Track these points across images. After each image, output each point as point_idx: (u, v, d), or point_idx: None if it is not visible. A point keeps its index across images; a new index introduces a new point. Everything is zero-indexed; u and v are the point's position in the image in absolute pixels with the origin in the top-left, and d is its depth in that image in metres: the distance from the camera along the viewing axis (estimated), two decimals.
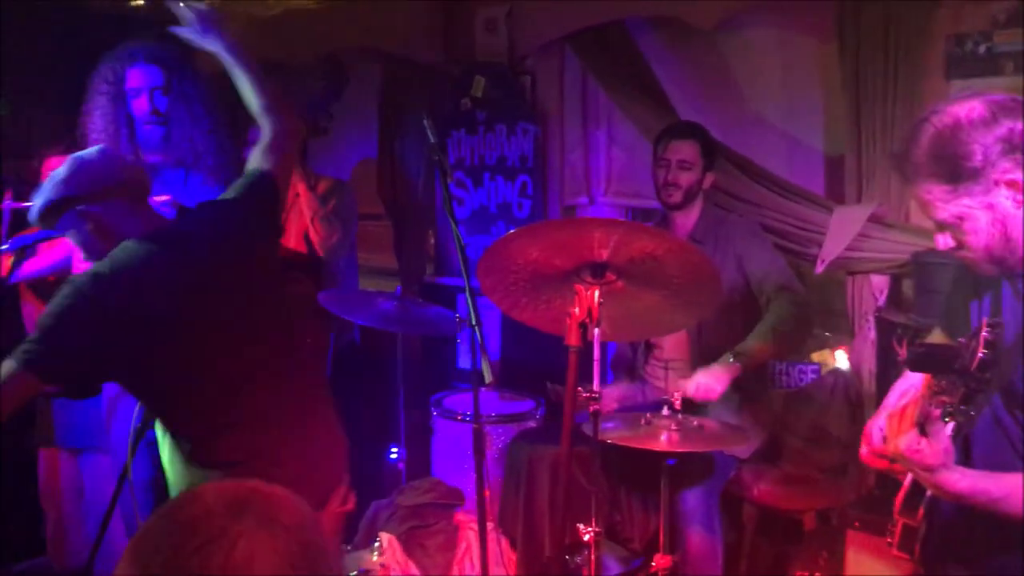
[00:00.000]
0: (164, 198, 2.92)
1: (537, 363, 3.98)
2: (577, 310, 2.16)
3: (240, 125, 4.38)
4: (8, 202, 3.34)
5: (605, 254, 2.49)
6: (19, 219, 3.40)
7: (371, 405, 4.28)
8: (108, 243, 2.14)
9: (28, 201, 3.49)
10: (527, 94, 4.17)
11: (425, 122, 2.84)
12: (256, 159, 2.43)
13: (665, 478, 2.75)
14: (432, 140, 2.91)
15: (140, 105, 2.99)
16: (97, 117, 2.98)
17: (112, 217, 2.14)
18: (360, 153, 4.73)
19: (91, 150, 2.27)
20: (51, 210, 2.15)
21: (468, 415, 3.51)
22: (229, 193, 2.38)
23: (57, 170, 2.17)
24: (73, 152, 3.45)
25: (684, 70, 3.85)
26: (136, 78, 2.98)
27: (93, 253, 2.18)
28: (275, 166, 2.40)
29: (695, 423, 2.74)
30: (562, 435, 2.16)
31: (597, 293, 2.17)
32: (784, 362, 3.36)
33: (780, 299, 3.06)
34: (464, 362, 4.41)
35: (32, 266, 3.03)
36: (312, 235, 3.75)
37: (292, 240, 3.87)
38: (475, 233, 4.29)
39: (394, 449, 3.57)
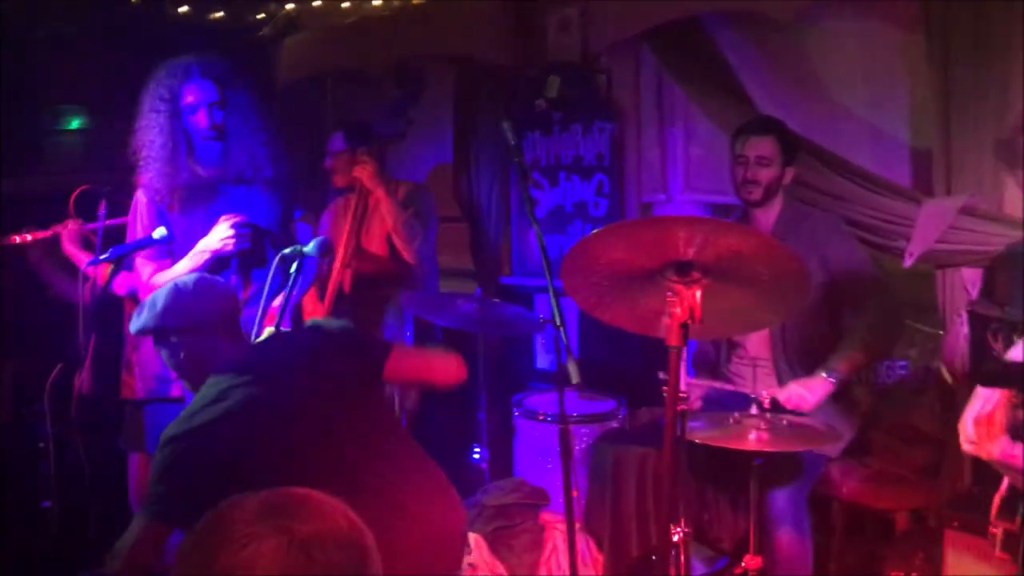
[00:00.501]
0: (161, 233, 2.98)
1: (617, 363, 3.97)
2: (679, 310, 2.14)
3: (316, 137, 4.48)
4: (103, 213, 3.46)
5: (691, 252, 2.47)
6: (111, 231, 3.52)
7: (452, 405, 4.31)
8: (199, 369, 2.23)
9: (122, 215, 3.63)
10: (602, 93, 4.15)
11: (503, 125, 2.85)
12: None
13: (754, 478, 2.72)
14: (511, 143, 2.93)
15: (198, 121, 3.03)
16: (155, 134, 3.02)
17: (203, 346, 2.24)
18: (435, 157, 4.78)
19: (189, 279, 2.33)
20: (146, 334, 2.28)
21: (550, 415, 3.51)
22: (338, 330, 2.40)
23: (157, 294, 2.26)
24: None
25: (763, 64, 3.79)
26: (192, 94, 3.01)
27: (184, 376, 2.31)
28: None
29: (785, 422, 2.70)
30: (664, 435, 2.14)
31: (699, 293, 2.15)
32: None
33: (868, 303, 3.02)
34: (542, 362, 4.42)
35: (129, 278, 3.13)
36: (395, 240, 3.80)
37: (374, 245, 3.93)
38: (551, 233, 4.29)
39: (476, 449, 3.59)
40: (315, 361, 2.27)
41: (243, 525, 1.06)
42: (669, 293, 2.24)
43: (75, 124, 5.24)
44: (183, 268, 3.00)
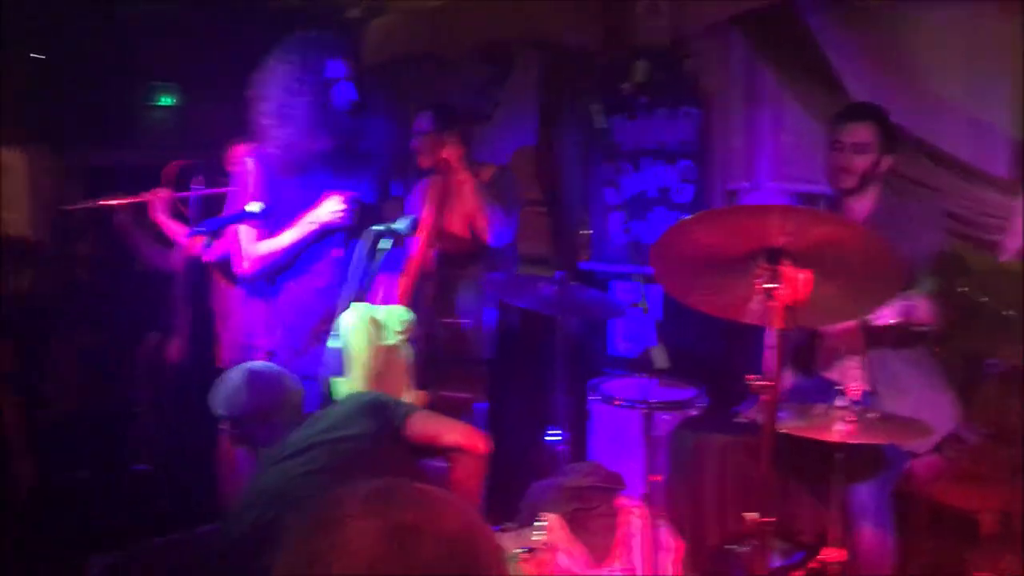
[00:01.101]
0: (255, 207, 3.03)
1: (698, 350, 3.95)
2: (784, 293, 2.12)
3: (399, 119, 4.52)
4: (197, 187, 3.56)
5: (783, 240, 2.44)
6: (208, 203, 3.62)
7: (529, 388, 4.34)
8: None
9: (217, 187, 3.72)
10: (689, 77, 4.10)
11: (592, 108, 2.85)
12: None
13: (837, 471, 2.68)
14: (600, 126, 2.92)
15: (339, 94, 3.07)
16: (288, 106, 3.06)
17: (266, 432, 2.37)
18: (518, 140, 4.77)
19: (265, 368, 2.45)
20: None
21: (626, 401, 3.50)
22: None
23: (233, 378, 2.38)
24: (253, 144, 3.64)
25: (857, 49, 3.70)
26: (334, 68, 3.06)
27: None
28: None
29: (871, 415, 2.65)
30: (763, 424, 2.12)
31: (805, 276, 2.13)
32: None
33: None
34: (618, 348, 4.40)
35: (220, 247, 3.21)
36: (477, 222, 3.82)
37: (456, 226, 3.96)
38: (633, 218, 4.27)
39: (553, 431, 3.60)
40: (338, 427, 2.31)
41: (347, 507, 1.06)
42: (762, 275, 2.20)
43: (166, 100, 5.38)
44: (290, 237, 3.09)
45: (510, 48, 4.23)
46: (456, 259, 3.87)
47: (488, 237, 3.82)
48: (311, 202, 3.10)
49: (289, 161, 3.10)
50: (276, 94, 3.08)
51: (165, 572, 3.50)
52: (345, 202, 3.01)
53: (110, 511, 3.67)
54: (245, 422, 2.37)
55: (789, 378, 3.27)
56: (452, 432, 2.47)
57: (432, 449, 2.45)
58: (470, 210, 3.85)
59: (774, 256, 2.50)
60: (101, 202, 3.80)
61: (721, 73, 4.07)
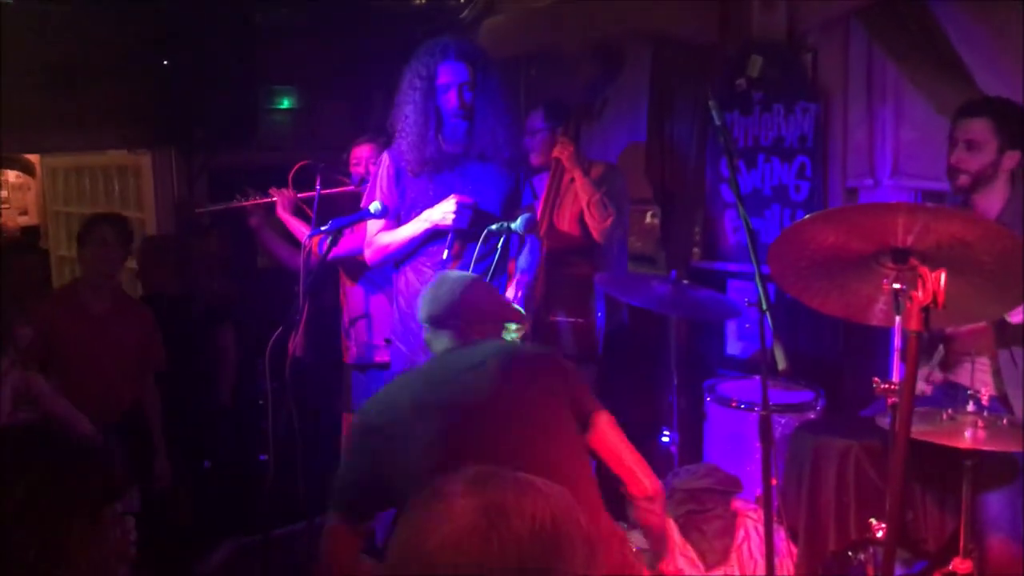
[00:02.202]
0: (376, 207, 3.10)
1: (814, 352, 3.86)
2: (920, 293, 2.07)
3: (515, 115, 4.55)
4: (318, 186, 3.67)
5: (910, 239, 2.37)
6: (326, 203, 3.73)
7: (640, 387, 4.32)
8: None
9: (336, 187, 3.82)
10: (807, 72, 4.01)
11: (711, 103, 2.81)
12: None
13: (967, 478, 2.58)
14: (718, 122, 2.89)
15: (449, 100, 3.11)
16: (409, 111, 3.13)
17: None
18: (628, 137, 4.75)
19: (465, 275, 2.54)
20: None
21: (743, 403, 3.45)
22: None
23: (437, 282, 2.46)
24: (377, 143, 3.74)
25: (987, 40, 3.54)
26: (446, 74, 3.10)
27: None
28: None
29: (1004, 420, 2.55)
30: (897, 426, 2.06)
31: (943, 276, 2.07)
32: None
33: None
34: (733, 349, 4.34)
35: (343, 246, 3.30)
36: (587, 219, 3.83)
37: (566, 223, 3.97)
38: (748, 216, 4.19)
39: (666, 432, 3.58)
40: (523, 371, 2.31)
41: (453, 485, 1.14)
42: (889, 275, 2.14)
43: (286, 104, 5.55)
44: (405, 233, 3.17)
45: (622, 44, 4.21)
46: (565, 256, 3.88)
47: (597, 235, 3.82)
48: (438, 201, 3.17)
49: (420, 160, 3.15)
50: (398, 98, 3.16)
51: (285, 561, 3.63)
52: (457, 205, 3.05)
53: (235, 500, 3.83)
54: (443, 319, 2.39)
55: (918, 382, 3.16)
56: (633, 456, 2.45)
57: (599, 459, 2.45)
58: (579, 208, 3.86)
59: (900, 256, 2.43)
60: (234, 203, 3.96)
61: (841, 67, 3.95)
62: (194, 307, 4.33)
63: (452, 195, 3.08)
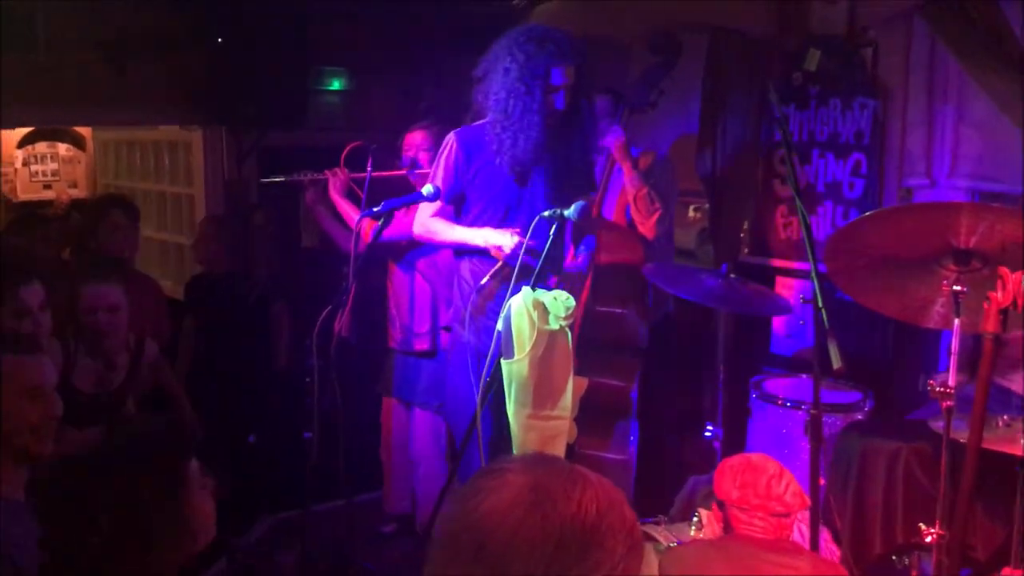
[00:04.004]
0: (429, 190, 3.07)
1: (863, 353, 3.80)
2: (1000, 295, 2.03)
3: None
4: (369, 168, 3.67)
5: (973, 240, 2.33)
6: (377, 186, 3.73)
7: (684, 380, 4.29)
8: None
9: (389, 170, 3.82)
10: (866, 67, 3.93)
11: (771, 95, 2.78)
12: None
13: (1021, 486, 2.52)
14: (778, 114, 2.85)
15: (556, 101, 3.00)
16: (516, 107, 2.98)
17: None
18: (679, 128, 4.70)
19: None
20: None
21: (790, 401, 3.41)
22: None
23: None
24: (431, 130, 3.71)
25: None
26: (559, 76, 2.98)
27: None
28: None
29: None
30: (970, 428, 2.03)
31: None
32: None
33: None
34: (780, 346, 4.29)
35: (392, 230, 3.29)
36: (633, 214, 3.80)
37: (614, 214, 3.95)
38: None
39: (709, 427, 3.55)
40: None
41: (512, 462, 1.23)
42: (949, 276, 2.09)
43: (336, 85, 5.57)
44: (457, 236, 3.13)
45: (678, 35, 4.16)
46: (612, 247, 3.85)
47: (643, 229, 3.79)
48: (504, 198, 3.12)
49: (525, 162, 3.06)
50: (511, 92, 2.99)
51: (323, 536, 3.66)
52: (513, 248, 2.96)
53: (278, 475, 3.86)
54: None
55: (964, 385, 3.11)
56: None
57: None
58: (627, 200, 3.83)
59: (962, 257, 2.38)
60: (294, 177, 3.98)
61: (901, 63, 3.87)
62: (249, 285, 4.38)
63: (516, 233, 2.99)
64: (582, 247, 3.34)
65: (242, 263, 4.45)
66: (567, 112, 3.03)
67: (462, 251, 3.18)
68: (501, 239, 3.01)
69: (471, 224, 3.15)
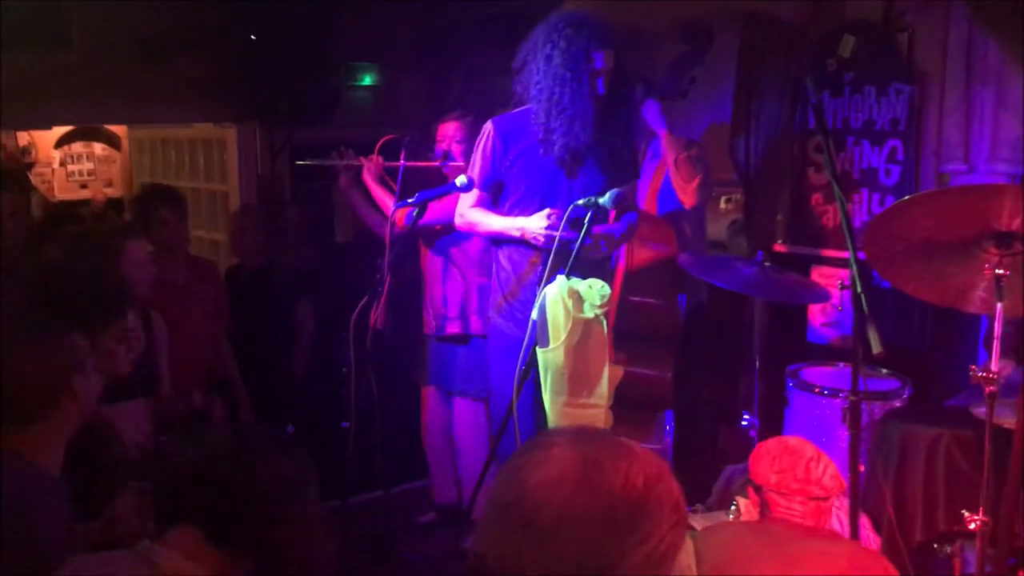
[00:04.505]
0: (463, 181, 3.08)
1: (901, 340, 3.77)
2: None
3: None
4: (403, 158, 3.70)
5: (1015, 223, 2.30)
6: (409, 177, 3.76)
7: (720, 369, 4.27)
8: None
9: (423, 160, 3.84)
10: (902, 53, 3.89)
11: (807, 80, 2.76)
12: None
13: None
14: (813, 100, 2.83)
15: (598, 87, 3.01)
16: (565, 95, 2.97)
17: None
18: (712, 116, 4.67)
19: None
20: None
21: (827, 389, 3.39)
22: None
23: None
24: (463, 120, 3.71)
25: None
26: (601, 60, 2.99)
27: None
28: None
29: None
30: (1019, 410, 2.01)
31: None
32: None
33: None
34: (815, 335, 4.25)
35: (426, 216, 3.31)
36: (674, 180, 3.77)
37: (646, 202, 3.94)
38: (834, 200, 4.09)
39: (746, 416, 3.54)
40: None
41: (558, 436, 1.23)
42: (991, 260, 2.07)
43: (367, 80, 5.59)
44: (495, 226, 3.15)
45: (709, 22, 4.13)
46: (643, 235, 3.83)
47: (684, 196, 3.78)
48: (543, 186, 3.11)
49: (575, 150, 3.06)
50: (557, 80, 2.98)
51: (362, 527, 3.68)
52: (546, 231, 2.96)
53: (317, 466, 3.90)
54: None
55: (1008, 370, 3.07)
56: None
57: None
58: (656, 186, 3.82)
59: (1004, 240, 2.36)
60: (329, 160, 4.01)
61: (939, 48, 3.81)
62: (273, 279, 4.40)
63: (551, 214, 2.99)
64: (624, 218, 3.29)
65: (276, 256, 4.48)
66: (608, 98, 3.02)
67: (499, 240, 3.18)
68: (537, 224, 3.02)
69: (509, 212, 3.16)
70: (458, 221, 3.29)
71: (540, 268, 2.98)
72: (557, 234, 2.89)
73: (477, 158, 3.17)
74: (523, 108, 3.11)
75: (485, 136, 3.18)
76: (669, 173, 3.76)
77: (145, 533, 1.80)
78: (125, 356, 2.44)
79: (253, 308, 4.12)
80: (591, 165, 3.12)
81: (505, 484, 1.19)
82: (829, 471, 2.24)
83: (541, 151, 3.08)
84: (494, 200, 3.23)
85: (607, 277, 3.11)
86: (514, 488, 1.16)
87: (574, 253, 2.78)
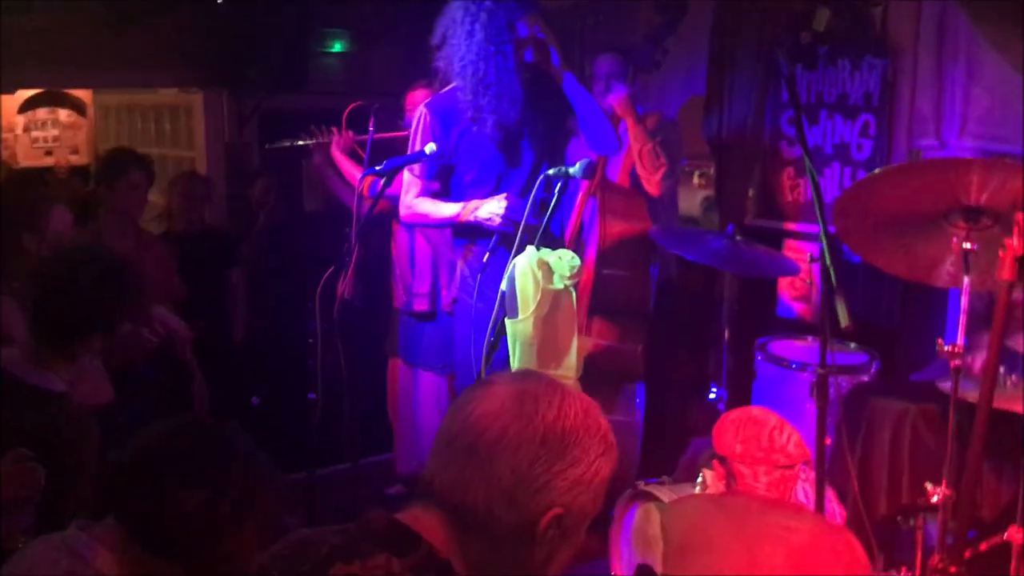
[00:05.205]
0: (431, 148, 2.96)
1: (870, 315, 3.79)
2: (1016, 242, 2.01)
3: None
4: (371, 128, 3.64)
5: (984, 197, 2.29)
6: (380, 147, 3.70)
7: (689, 343, 4.28)
8: None
9: (391, 131, 3.78)
10: (876, 27, 3.88)
11: (779, 54, 2.73)
12: None
13: None
14: (786, 71, 2.81)
15: (527, 55, 2.92)
16: (489, 67, 2.89)
17: None
18: (686, 89, 4.65)
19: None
20: None
21: (795, 363, 3.40)
22: None
23: None
24: (433, 90, 3.65)
25: None
26: (524, 28, 2.90)
27: None
28: None
29: None
30: (982, 379, 2.01)
31: None
32: None
33: None
34: (784, 309, 4.27)
35: (395, 188, 3.26)
36: (638, 169, 3.76)
37: (619, 176, 3.91)
38: (804, 174, 4.10)
39: (713, 389, 3.55)
40: None
41: (498, 377, 1.38)
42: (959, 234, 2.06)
43: (337, 47, 5.51)
44: (446, 213, 3.04)
45: None
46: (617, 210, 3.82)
47: (648, 186, 3.76)
48: (493, 163, 3.04)
49: (505, 125, 2.97)
50: (480, 54, 2.89)
51: (329, 500, 3.66)
52: (504, 213, 2.90)
53: (281, 438, 3.87)
54: None
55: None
56: None
57: None
58: (631, 161, 3.80)
59: (972, 215, 2.35)
60: (298, 142, 3.96)
61: (912, 22, 3.81)
62: (209, 246, 4.37)
63: (504, 197, 2.93)
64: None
65: (205, 225, 4.48)
66: (539, 66, 2.93)
67: (459, 232, 3.11)
68: (492, 207, 2.94)
69: (464, 196, 3.06)
70: (404, 214, 3.16)
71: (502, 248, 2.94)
72: (522, 220, 2.83)
73: (416, 145, 3.04)
74: (453, 86, 3.00)
75: (420, 121, 3.04)
76: (635, 167, 3.73)
77: (26, 500, 1.91)
78: None
79: (190, 275, 4.07)
80: (538, 136, 3.04)
81: (451, 416, 1.33)
82: (793, 439, 2.25)
83: (475, 129, 2.98)
84: (444, 187, 3.12)
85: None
86: (459, 419, 1.30)
87: (544, 223, 2.75)
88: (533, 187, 2.85)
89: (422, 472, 1.33)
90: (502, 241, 2.97)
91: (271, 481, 1.73)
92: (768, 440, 2.22)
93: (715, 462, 2.36)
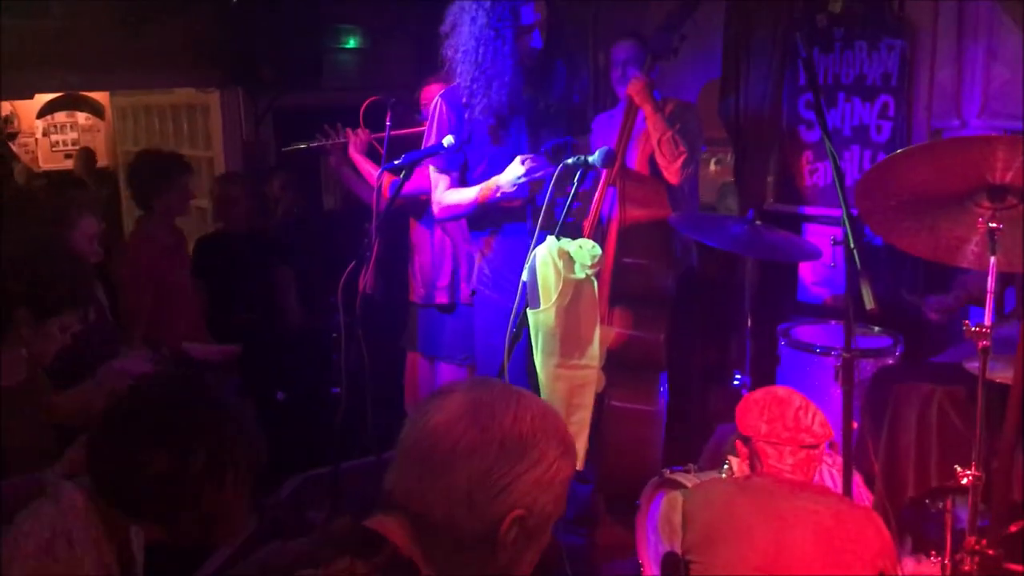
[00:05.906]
0: (450, 141, 2.96)
1: (893, 297, 3.75)
2: None
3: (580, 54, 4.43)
4: (388, 124, 3.64)
5: (1009, 176, 2.27)
6: (397, 143, 3.70)
7: (711, 329, 4.26)
8: None
9: (408, 127, 3.78)
10: (893, 7, 3.84)
11: (797, 36, 2.71)
12: None
13: None
14: (804, 54, 2.79)
15: (531, 41, 2.92)
16: (487, 55, 2.90)
17: None
18: (702, 75, 4.63)
19: None
20: None
21: (819, 347, 3.38)
22: None
23: None
24: (448, 82, 3.65)
25: None
26: (529, 13, 2.89)
27: None
28: None
29: None
30: (1017, 361, 1.99)
31: None
32: None
33: None
34: (806, 294, 4.25)
35: (410, 186, 3.26)
36: (657, 158, 3.74)
37: (638, 164, 3.89)
38: (825, 157, 4.07)
39: (738, 375, 3.53)
40: None
41: (455, 386, 1.38)
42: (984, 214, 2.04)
43: (352, 44, 5.51)
44: (473, 195, 3.04)
45: None
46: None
47: (668, 174, 3.74)
48: (505, 152, 3.03)
49: (507, 113, 2.98)
50: (480, 40, 2.90)
51: (353, 493, 3.67)
52: (526, 173, 2.89)
53: (306, 432, 3.89)
54: None
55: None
56: None
57: None
58: (651, 148, 3.77)
59: (997, 194, 2.33)
60: (314, 144, 3.98)
61: (929, 2, 3.78)
62: (255, 245, 4.39)
63: (519, 159, 2.91)
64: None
65: (258, 223, 4.48)
66: (548, 52, 2.93)
67: (476, 224, 3.12)
68: (510, 174, 2.93)
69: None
70: (437, 210, 3.17)
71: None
72: (540, 174, 2.84)
73: (433, 136, 3.04)
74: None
75: (437, 111, 3.04)
76: (654, 154, 3.72)
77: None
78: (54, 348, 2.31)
79: (236, 274, 4.09)
80: (535, 124, 3.04)
81: (409, 427, 1.34)
82: (818, 418, 2.24)
83: (467, 117, 2.98)
84: (461, 179, 3.13)
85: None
86: (415, 430, 1.32)
87: (563, 215, 2.75)
88: (552, 177, 2.83)
89: (382, 482, 1.34)
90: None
91: (250, 435, 1.71)
92: (794, 420, 2.21)
93: (738, 443, 2.35)
